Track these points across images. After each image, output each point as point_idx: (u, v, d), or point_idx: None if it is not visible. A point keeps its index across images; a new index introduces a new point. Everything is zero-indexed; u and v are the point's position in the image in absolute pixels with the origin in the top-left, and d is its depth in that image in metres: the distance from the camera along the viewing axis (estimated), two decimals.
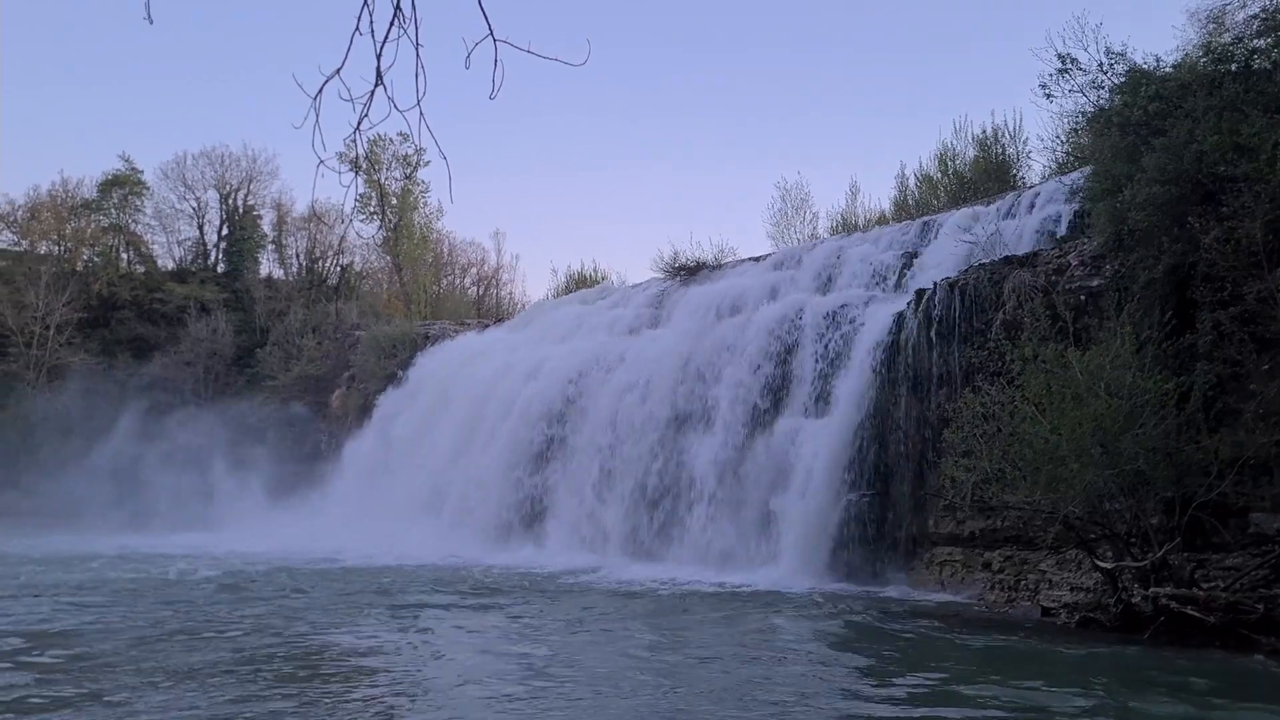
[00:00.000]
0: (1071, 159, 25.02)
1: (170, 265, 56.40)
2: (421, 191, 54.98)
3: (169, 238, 56.75)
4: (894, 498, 20.87)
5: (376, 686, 10.82)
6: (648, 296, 34.20)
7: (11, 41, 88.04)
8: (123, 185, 54.62)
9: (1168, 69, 17.59)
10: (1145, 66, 17.85)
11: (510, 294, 60.02)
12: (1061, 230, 21.56)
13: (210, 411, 47.05)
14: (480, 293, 60.02)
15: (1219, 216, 15.26)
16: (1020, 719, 9.59)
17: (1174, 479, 14.60)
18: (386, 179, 53.17)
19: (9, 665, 11.36)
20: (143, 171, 55.39)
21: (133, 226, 55.51)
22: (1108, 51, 18.59)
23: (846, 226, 37.32)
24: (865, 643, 14.19)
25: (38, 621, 14.90)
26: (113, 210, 54.70)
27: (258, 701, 9.62)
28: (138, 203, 55.40)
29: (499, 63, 4.51)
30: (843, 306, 24.18)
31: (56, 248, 53.63)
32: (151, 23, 4.40)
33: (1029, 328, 17.75)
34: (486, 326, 43.42)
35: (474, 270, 60.79)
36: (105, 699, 9.68)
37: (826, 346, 23.61)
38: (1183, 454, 14.69)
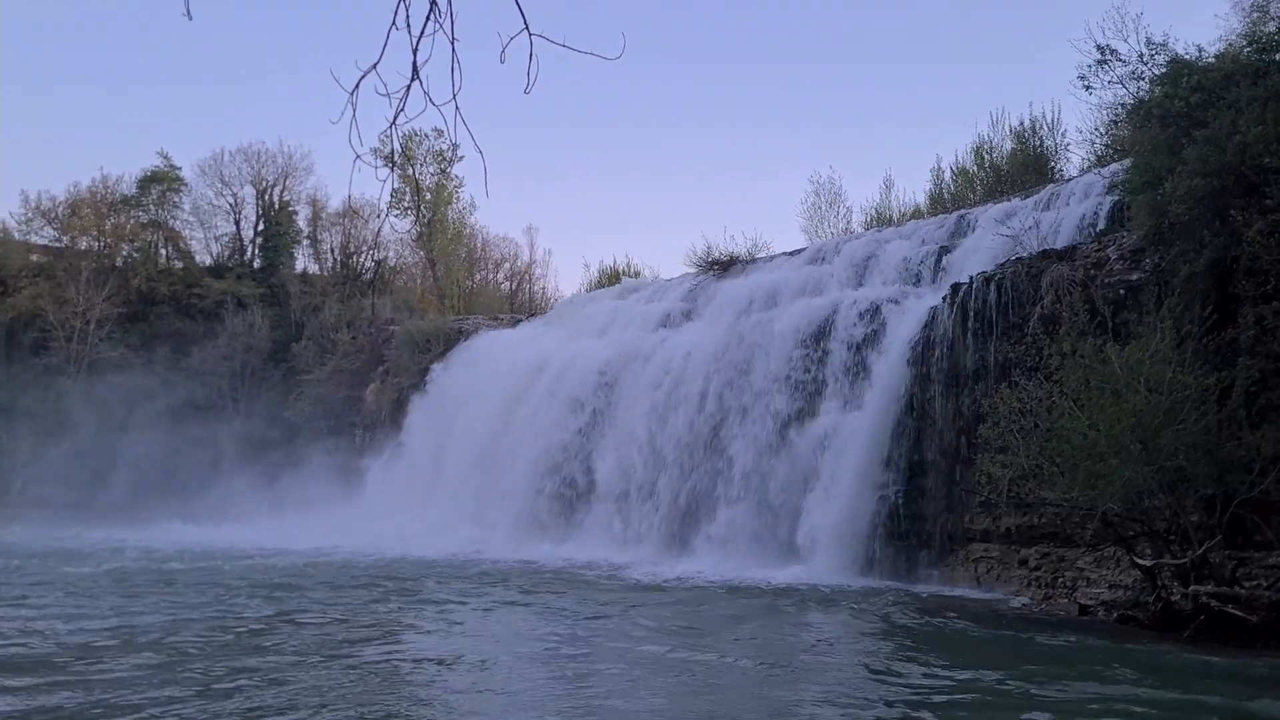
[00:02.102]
0: (1111, 151, 24.70)
1: (208, 261, 56.98)
2: (455, 187, 55.19)
3: (206, 233, 57.39)
4: (928, 493, 20.73)
5: (412, 679, 10.89)
6: (682, 291, 34.11)
7: (52, 41, 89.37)
8: (161, 182, 55.23)
9: (1210, 59, 17.29)
10: (1187, 57, 17.57)
11: (543, 289, 60.14)
12: (1100, 224, 21.29)
13: (246, 405, 47.62)
14: (513, 288, 60.14)
15: (1262, 209, 15.01)
16: (1060, 717, 9.49)
17: (1215, 476, 14.39)
18: (420, 174, 53.40)
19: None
20: (181, 168, 56.02)
21: (171, 223, 56.14)
22: (1148, 42, 18.33)
23: (881, 221, 37.05)
24: (899, 639, 14.11)
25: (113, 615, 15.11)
26: (151, 206, 55.33)
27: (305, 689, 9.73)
28: (176, 199, 56.00)
29: (534, 57, 4.50)
30: (877, 301, 24.01)
31: (96, 243, 54.36)
32: (190, 19, 4.43)
33: (1067, 322, 17.52)
34: (519, 321, 43.54)
35: (507, 265, 60.95)
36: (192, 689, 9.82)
37: (861, 341, 23.47)
38: (1224, 450, 14.48)
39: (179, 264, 55.83)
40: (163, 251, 56.02)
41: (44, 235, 54.77)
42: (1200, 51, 17.59)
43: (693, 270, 35.41)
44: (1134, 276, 17.81)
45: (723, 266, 33.64)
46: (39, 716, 8.74)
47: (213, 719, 8.68)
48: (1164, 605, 14.55)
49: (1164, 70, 17.80)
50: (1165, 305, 15.93)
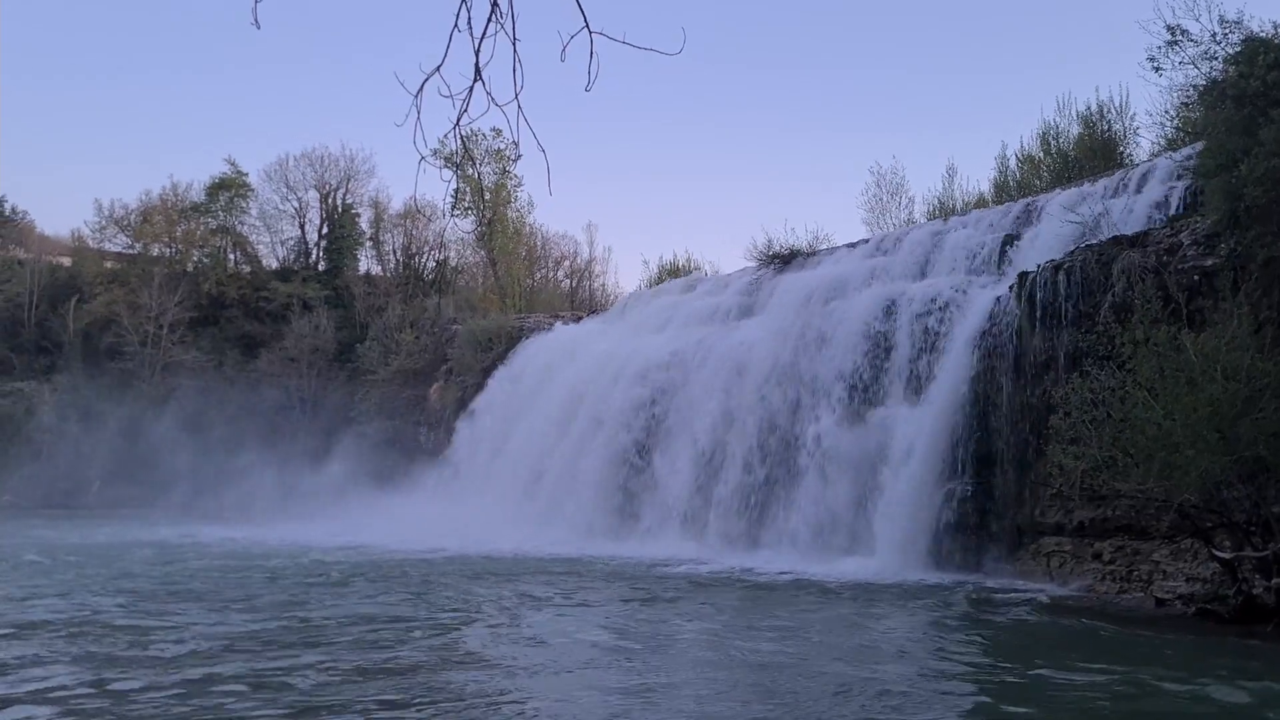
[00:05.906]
0: (1182, 134, 24.09)
1: (274, 264, 58.17)
2: (515, 185, 55.51)
3: (273, 238, 58.67)
4: (997, 486, 20.40)
5: (480, 674, 10.98)
6: (743, 285, 33.97)
7: (125, 51, 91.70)
8: (229, 188, 56.44)
9: None
10: (1263, 35, 17.04)
11: (603, 286, 60.31)
12: (1173, 209, 20.77)
13: (313, 405, 48.44)
14: (573, 285, 60.38)
15: None
16: (1140, 706, 9.28)
17: None
18: (480, 174, 53.78)
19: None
20: (247, 174, 57.24)
21: (239, 228, 57.41)
22: (1221, 20, 17.83)
23: (944, 210, 36.45)
24: (973, 633, 13.91)
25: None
26: (220, 212, 56.62)
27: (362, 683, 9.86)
28: (243, 204, 57.24)
29: (594, 55, 4.49)
30: (941, 291, 23.68)
31: (168, 250, 55.81)
32: (259, 28, 4.49)
33: (1139, 310, 17.10)
34: (580, 319, 43.71)
35: (567, 263, 61.21)
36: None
37: (925, 332, 23.17)
38: None
39: (247, 268, 57.10)
40: (231, 256, 57.37)
41: (117, 243, 56.49)
42: (1276, 28, 17.06)
43: (753, 264, 35.22)
44: (1209, 262, 17.33)
45: (783, 260, 33.40)
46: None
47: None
48: (1245, 599, 14.17)
49: (1238, 49, 17.28)
50: (1242, 291, 15.53)
